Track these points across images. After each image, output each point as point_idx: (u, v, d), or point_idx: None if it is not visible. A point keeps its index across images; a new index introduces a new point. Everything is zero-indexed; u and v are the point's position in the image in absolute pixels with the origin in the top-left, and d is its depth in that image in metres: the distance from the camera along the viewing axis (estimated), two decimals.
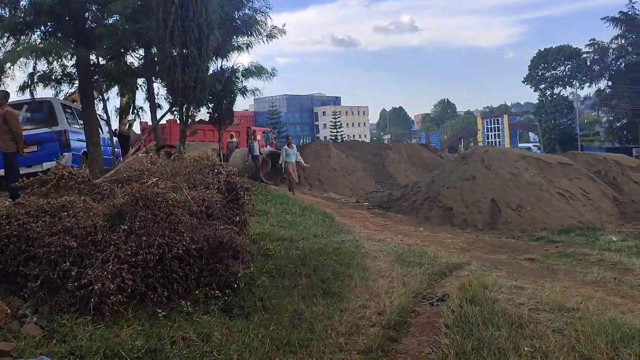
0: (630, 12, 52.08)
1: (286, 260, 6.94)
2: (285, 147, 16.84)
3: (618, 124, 58.65)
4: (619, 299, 6.26)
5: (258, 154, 18.31)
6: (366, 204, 15.94)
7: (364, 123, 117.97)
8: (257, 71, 20.05)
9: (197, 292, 5.10)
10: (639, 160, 15.89)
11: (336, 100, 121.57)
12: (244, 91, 21.04)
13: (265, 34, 20.39)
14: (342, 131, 66.99)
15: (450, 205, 12.67)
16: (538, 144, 62.77)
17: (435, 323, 5.33)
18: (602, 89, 58.14)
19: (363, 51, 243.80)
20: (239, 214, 6.75)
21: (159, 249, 4.62)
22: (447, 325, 5.15)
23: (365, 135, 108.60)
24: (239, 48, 20.45)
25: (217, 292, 5.23)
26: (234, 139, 20.23)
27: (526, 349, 4.64)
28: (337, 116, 70.52)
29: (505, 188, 12.39)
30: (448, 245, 9.88)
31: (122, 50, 15.37)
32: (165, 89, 12.54)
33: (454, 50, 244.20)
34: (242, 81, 20.35)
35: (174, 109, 13.18)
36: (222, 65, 15.77)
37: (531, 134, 79.35)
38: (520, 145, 66.92)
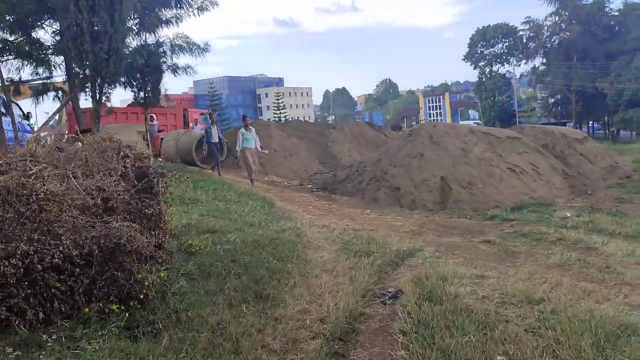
0: None
1: (213, 258, 5.87)
2: (242, 130, 13.85)
3: (552, 100, 60.49)
4: (589, 285, 5.59)
5: (217, 140, 15.98)
6: (310, 186, 14.98)
7: (308, 104, 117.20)
8: (187, 46, 18.55)
9: (87, 309, 3.97)
10: (583, 132, 15.70)
11: (279, 82, 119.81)
12: (175, 69, 19.50)
13: (196, 6, 18.92)
14: (285, 112, 65.66)
15: (397, 185, 11.90)
16: (479, 121, 63.74)
17: (389, 329, 4.43)
18: (537, 66, 59.65)
19: (306, 32, 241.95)
20: (152, 205, 5.58)
21: (24, 258, 3.43)
22: (403, 331, 4.26)
23: (309, 116, 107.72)
24: (168, 22, 18.86)
25: (116, 306, 4.12)
26: (155, 122, 18.30)
27: (499, 357, 3.82)
28: (280, 97, 69.02)
29: (455, 165, 11.72)
30: (398, 229, 9.07)
31: (29, 21, 13.61)
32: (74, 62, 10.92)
33: (395, 31, 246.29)
34: (171, 57, 18.82)
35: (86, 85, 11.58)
36: (146, 39, 14.23)
37: (471, 112, 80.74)
38: (461, 122, 67.83)
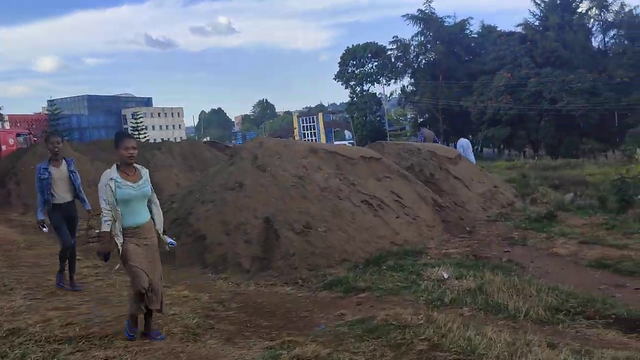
0: (427, 11, 53.92)
1: None
2: (114, 173, 4.34)
3: (421, 119, 61.04)
4: None
5: (70, 199, 6.44)
6: (97, 232, 10.42)
7: (180, 125, 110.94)
8: None
9: None
10: (457, 150, 12.96)
11: (147, 102, 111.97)
12: None
13: None
14: (146, 134, 59.03)
15: (203, 231, 7.91)
16: (353, 140, 62.55)
17: None
18: (406, 85, 59.96)
19: (181, 52, 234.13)
20: None
21: None
22: None
23: (180, 137, 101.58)
24: None
25: None
26: None
27: None
28: (138, 117, 62.15)
29: (287, 200, 8.01)
30: (168, 322, 5.01)
31: None
32: None
33: (272, 52, 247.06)
34: None
35: None
36: None
37: (347, 132, 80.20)
38: (336, 142, 66.35)
